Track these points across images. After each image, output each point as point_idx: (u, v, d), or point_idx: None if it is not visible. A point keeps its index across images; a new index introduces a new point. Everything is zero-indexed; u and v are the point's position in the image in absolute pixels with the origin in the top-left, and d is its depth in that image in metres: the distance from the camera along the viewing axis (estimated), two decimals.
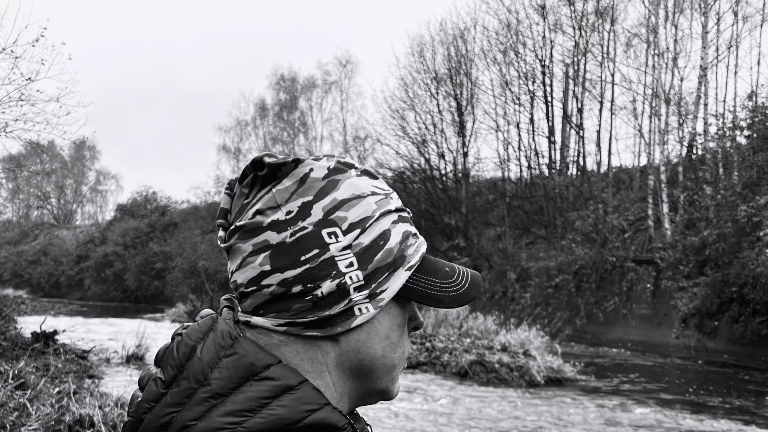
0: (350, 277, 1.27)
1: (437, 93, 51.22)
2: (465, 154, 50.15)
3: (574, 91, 46.76)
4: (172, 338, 1.31)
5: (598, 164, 45.53)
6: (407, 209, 1.41)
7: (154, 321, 37.43)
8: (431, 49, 51.93)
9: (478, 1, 59.88)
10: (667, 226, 35.53)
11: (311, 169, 1.31)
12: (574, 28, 45.88)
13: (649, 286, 33.32)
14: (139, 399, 1.27)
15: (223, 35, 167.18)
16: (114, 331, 30.99)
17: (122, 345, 22.57)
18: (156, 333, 25.39)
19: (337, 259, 1.27)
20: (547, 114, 47.37)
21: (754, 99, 32.86)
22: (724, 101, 37.75)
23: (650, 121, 40.86)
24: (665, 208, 36.01)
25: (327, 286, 1.26)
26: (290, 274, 1.26)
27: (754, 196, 27.65)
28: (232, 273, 1.32)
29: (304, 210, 1.28)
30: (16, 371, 13.51)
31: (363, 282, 1.28)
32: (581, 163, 47.10)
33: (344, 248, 1.27)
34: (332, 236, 1.27)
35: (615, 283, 34.85)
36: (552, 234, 43.10)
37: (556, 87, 48.43)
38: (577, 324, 34.95)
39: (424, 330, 23.94)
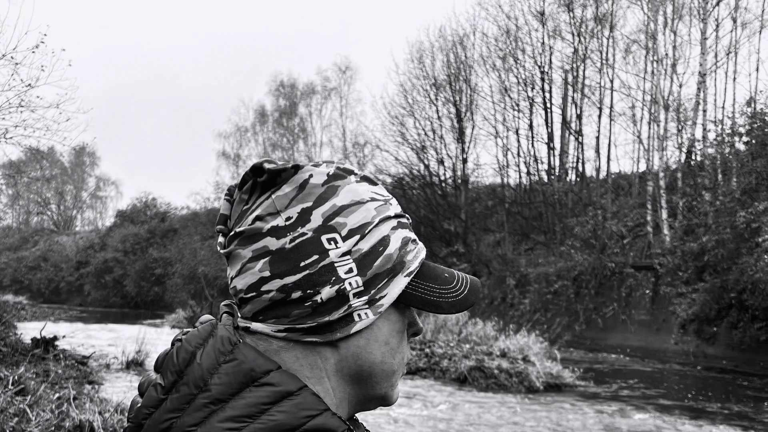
0: (350, 283, 1.27)
1: (436, 99, 51.24)
2: (464, 160, 50.14)
3: (573, 98, 46.80)
4: (172, 344, 1.32)
5: (597, 170, 45.54)
6: (406, 215, 1.42)
7: (153, 327, 37.42)
8: (430, 55, 51.96)
9: (477, 8, 60.00)
10: (666, 232, 35.54)
11: (311, 175, 1.31)
12: (573, 35, 45.93)
13: (648, 292, 33.33)
14: (139, 405, 1.27)
15: (222, 41, 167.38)
16: (114, 336, 31.01)
17: (122, 351, 22.62)
18: (156, 339, 25.45)
19: (336, 265, 1.27)
20: (546, 120, 47.40)
21: (752, 105, 32.90)
22: (723, 107, 37.77)
23: (649, 127, 40.88)
24: (664, 214, 36.02)
25: (326, 292, 1.26)
26: (290, 280, 1.26)
27: (753, 202, 27.67)
28: (232, 279, 1.33)
29: (304, 216, 1.28)
30: (16, 377, 13.51)
31: (362, 288, 1.28)
32: (580, 169, 47.17)
33: (344, 254, 1.28)
34: (332, 242, 1.27)
35: (614, 289, 34.85)
36: (551, 240, 43.11)
37: (555, 93, 48.55)
38: (576, 330, 34.95)
39: (423, 336, 23.95)
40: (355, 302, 1.28)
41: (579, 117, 46.08)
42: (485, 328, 25.07)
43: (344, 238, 1.28)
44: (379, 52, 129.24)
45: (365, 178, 1.37)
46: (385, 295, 1.30)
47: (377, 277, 1.30)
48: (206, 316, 1.36)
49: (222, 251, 1.35)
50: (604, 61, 44.38)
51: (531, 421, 16.36)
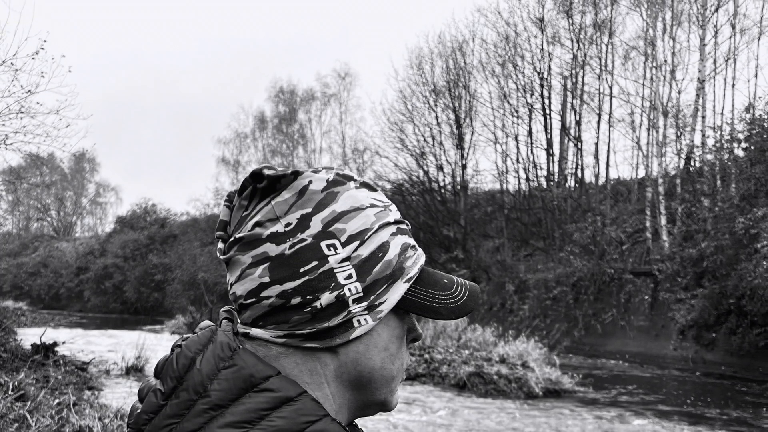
0: (349, 289, 1.27)
1: (436, 105, 51.31)
2: (463, 167, 50.21)
3: (572, 104, 46.86)
4: (172, 350, 1.31)
5: (596, 176, 45.62)
6: (406, 221, 1.42)
7: (153, 333, 37.43)
8: (430, 61, 52.03)
9: (476, 14, 60.02)
10: (665, 238, 35.57)
11: (310, 182, 1.31)
12: (572, 41, 46.01)
13: (647, 297, 33.35)
14: (139, 410, 1.28)
15: (222, 48, 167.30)
16: (113, 342, 31.03)
17: (122, 356, 22.61)
18: (155, 345, 25.44)
19: (336, 271, 1.27)
20: (545, 126, 47.48)
21: (751, 111, 32.92)
22: (722, 113, 37.84)
23: (648, 134, 40.92)
24: (663, 220, 36.06)
25: (326, 297, 1.26)
26: (289, 285, 1.26)
27: (752, 208, 27.70)
28: (232, 285, 1.33)
29: (303, 222, 1.28)
30: (16, 383, 13.53)
31: (362, 294, 1.28)
32: (579, 175, 47.22)
33: (343, 260, 1.27)
34: (331, 248, 1.27)
35: (613, 295, 34.87)
36: (550, 246, 43.13)
37: (555, 99, 48.52)
38: (575, 336, 34.97)
39: (422, 341, 23.96)
40: (355, 308, 1.28)
41: (578, 123, 46.15)
42: (484, 333, 25.09)
43: (344, 244, 1.28)
44: (378, 59, 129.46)
45: (364, 184, 1.37)
46: (384, 301, 1.30)
47: (376, 283, 1.30)
48: (206, 322, 1.36)
49: (222, 257, 1.35)
50: (603, 68, 44.46)
51: (530, 426, 16.37)
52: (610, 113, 44.44)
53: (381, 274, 1.30)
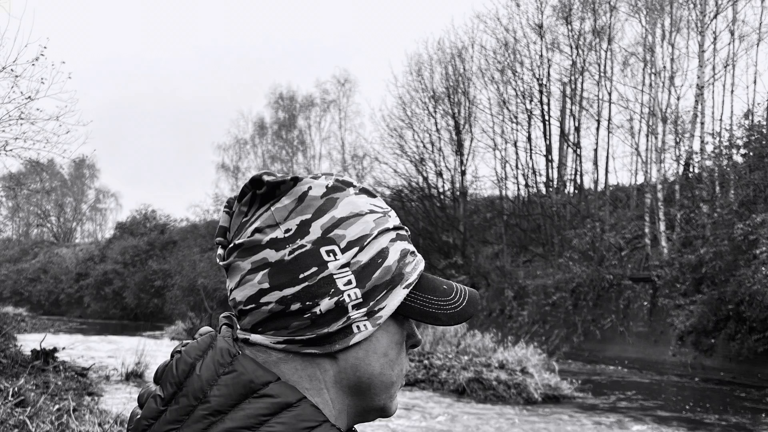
0: (348, 295, 1.27)
1: (435, 111, 51.41)
2: (463, 173, 50.27)
3: (571, 110, 46.90)
4: (171, 356, 1.31)
5: (596, 182, 45.65)
6: (405, 227, 1.41)
7: (153, 338, 37.44)
8: (429, 67, 52.11)
9: (475, 21, 60.02)
10: (664, 244, 35.60)
11: (310, 188, 1.31)
12: (571, 47, 46.06)
13: (645, 303, 33.38)
14: (139, 416, 1.28)
15: (222, 54, 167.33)
16: (113, 348, 31.03)
17: (122, 362, 22.63)
18: (155, 350, 25.46)
19: (335, 276, 1.27)
20: (544, 132, 47.55)
21: (750, 117, 32.99)
22: (721, 120, 37.85)
23: (647, 140, 40.97)
24: (662, 227, 36.09)
25: (325, 303, 1.26)
26: (289, 291, 1.26)
27: (751, 214, 27.73)
28: (231, 291, 1.32)
29: (303, 228, 1.28)
30: (16, 388, 13.54)
31: (361, 300, 1.28)
32: (578, 181, 47.26)
33: (342, 266, 1.27)
34: (330, 254, 1.27)
35: (612, 301, 34.90)
36: (549, 252, 43.16)
37: (554, 106, 48.56)
38: (575, 341, 34.99)
39: (422, 347, 23.97)
40: (354, 314, 1.28)
41: (577, 129, 46.19)
42: (484, 339, 25.10)
43: (343, 250, 1.28)
44: (377, 65, 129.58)
45: (364, 191, 1.37)
46: (383, 307, 1.30)
47: (376, 289, 1.29)
48: (205, 328, 1.36)
49: (221, 263, 1.35)
50: (602, 74, 44.52)
51: None
52: (609, 119, 44.55)
53: (380, 280, 1.30)
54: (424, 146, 51.33)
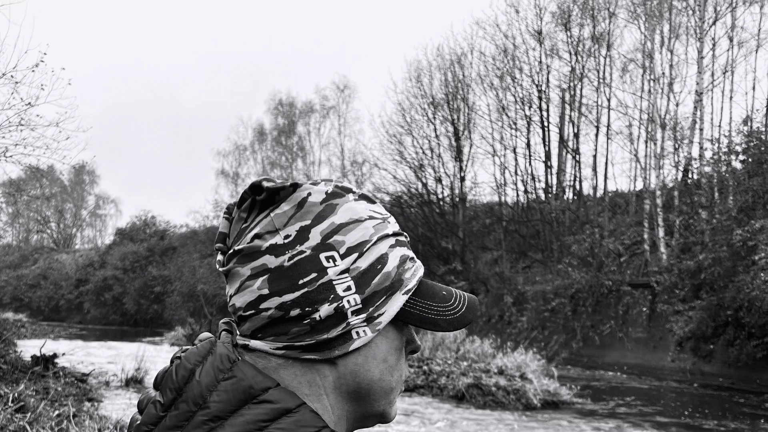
0: (348, 301, 1.27)
1: (434, 118, 51.40)
2: (462, 179, 50.25)
3: (570, 116, 46.92)
4: (171, 361, 1.31)
5: (595, 189, 45.63)
6: (405, 233, 1.41)
7: (153, 344, 37.45)
8: (428, 74, 52.09)
9: (474, 27, 60.08)
10: (663, 250, 35.63)
11: (309, 194, 1.31)
12: (570, 54, 46.08)
13: (644, 309, 33.40)
14: (138, 422, 1.28)
15: (221, 60, 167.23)
16: (113, 354, 31.03)
17: (121, 368, 22.64)
18: (155, 356, 25.49)
19: (334, 282, 1.27)
20: (543, 139, 47.56)
21: (749, 124, 33.03)
22: (720, 126, 37.95)
23: (646, 146, 41.02)
24: (661, 233, 36.12)
25: (325, 309, 1.26)
26: (288, 297, 1.26)
27: (750, 220, 27.75)
28: (231, 297, 1.32)
29: (302, 234, 1.28)
30: (15, 394, 13.55)
31: (361, 305, 1.28)
32: (577, 187, 47.28)
33: (342, 272, 1.27)
34: (330, 260, 1.27)
35: (611, 307, 34.92)
36: (548, 258, 43.17)
37: (553, 112, 48.64)
38: (574, 347, 35.00)
39: (421, 353, 23.95)
40: (354, 320, 1.28)
41: (576, 135, 46.19)
42: (483, 345, 25.09)
43: (342, 256, 1.28)
44: (377, 71, 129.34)
45: (363, 197, 1.37)
46: (383, 313, 1.30)
47: (375, 295, 1.29)
48: (205, 334, 1.36)
49: (221, 269, 1.35)
50: (601, 80, 44.56)
51: None
52: (608, 125, 44.58)
53: (380, 285, 1.30)
54: (424, 152, 51.36)
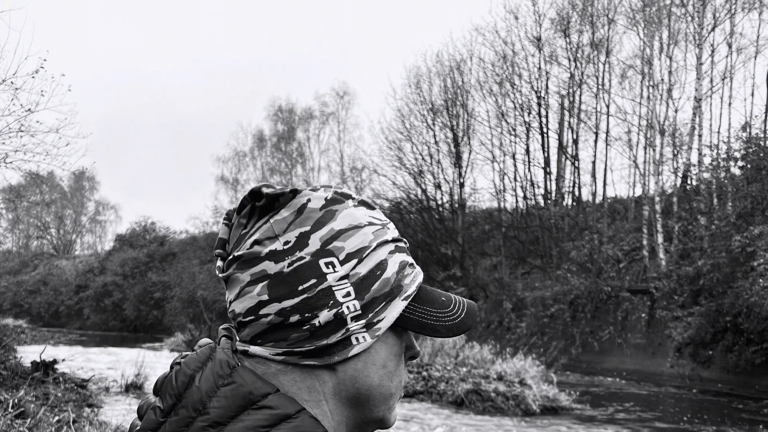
0: (347, 307, 1.27)
1: (434, 124, 51.42)
2: (461, 185, 50.29)
3: (569, 122, 46.92)
4: (171, 367, 1.31)
5: (594, 195, 45.63)
6: (404, 239, 1.42)
7: (152, 350, 37.45)
8: (428, 80, 52.11)
9: (474, 33, 60.08)
10: (662, 256, 35.63)
11: (309, 200, 1.31)
12: (569, 60, 46.12)
13: (643, 315, 33.39)
14: (138, 427, 1.28)
15: (221, 67, 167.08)
16: (113, 360, 31.03)
17: (121, 374, 22.64)
18: (155, 362, 25.49)
19: (334, 288, 1.27)
20: (542, 145, 47.58)
21: (748, 130, 33.02)
22: (719, 132, 37.94)
23: (645, 152, 41.01)
24: (660, 239, 36.13)
25: (324, 315, 1.26)
26: (288, 303, 1.26)
27: (748, 226, 27.77)
28: (230, 302, 1.32)
29: (302, 240, 1.28)
30: (15, 400, 13.56)
31: (360, 311, 1.28)
32: (576, 193, 47.27)
33: (341, 278, 1.27)
34: (329, 266, 1.27)
35: (610, 313, 34.92)
36: (547, 264, 43.17)
37: (552, 118, 48.60)
38: (573, 353, 34.99)
39: (420, 359, 23.91)
40: (353, 326, 1.28)
41: (575, 142, 46.23)
42: (482, 351, 25.08)
43: (342, 262, 1.28)
44: (376, 78, 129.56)
45: (363, 203, 1.37)
46: (382, 319, 1.30)
47: (375, 301, 1.30)
48: (205, 340, 1.36)
49: (221, 275, 1.35)
50: (600, 86, 44.60)
51: None
52: (607, 132, 44.59)
53: (379, 291, 1.30)
54: (423, 158, 51.38)
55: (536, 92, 47.52)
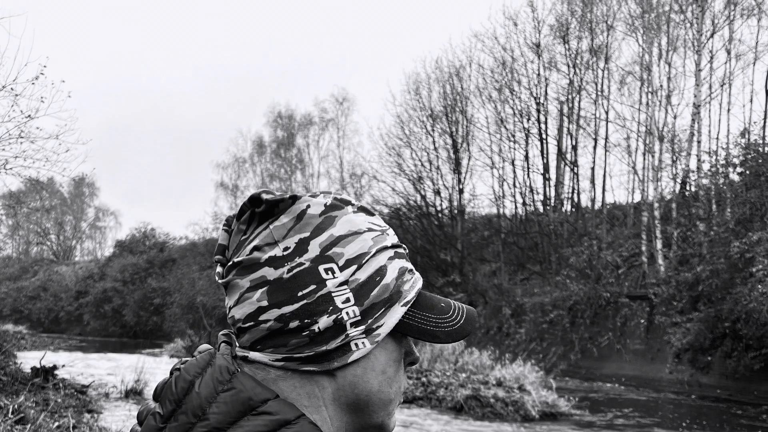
0: (347, 313, 1.27)
1: (433, 130, 51.44)
2: (460, 191, 50.30)
3: (568, 129, 46.99)
4: (171, 373, 1.32)
5: (593, 201, 45.70)
6: (403, 245, 1.42)
7: (152, 356, 37.41)
8: (427, 86, 52.12)
9: (473, 40, 60.09)
10: (661, 262, 35.65)
11: (308, 206, 1.31)
12: (568, 66, 46.18)
13: (642, 321, 33.41)
14: None
15: (220, 73, 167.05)
16: (113, 366, 31.00)
17: (121, 380, 22.63)
18: (154, 368, 25.48)
19: (333, 294, 1.27)
20: (541, 151, 47.63)
21: (746, 136, 33.06)
22: (717, 138, 37.98)
23: (644, 158, 41.08)
24: (659, 245, 36.16)
25: (324, 321, 1.26)
26: (287, 309, 1.26)
27: (747, 232, 27.78)
28: (230, 308, 1.33)
29: (301, 246, 1.28)
30: (15, 406, 13.56)
31: (359, 317, 1.28)
32: (575, 199, 47.31)
33: (341, 284, 1.28)
34: (329, 272, 1.27)
35: (609, 319, 34.93)
36: (547, 270, 43.19)
37: (551, 124, 48.63)
38: (572, 359, 35.00)
39: (419, 365, 23.96)
40: (352, 332, 1.28)
41: (574, 148, 46.29)
42: (481, 357, 25.08)
43: (341, 268, 1.28)
44: (376, 84, 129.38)
45: (362, 209, 1.37)
46: (382, 325, 1.30)
47: (374, 307, 1.30)
48: (204, 346, 1.36)
49: (220, 281, 1.35)
50: (599, 93, 44.65)
51: None
52: (606, 138, 44.63)
53: (378, 297, 1.30)
54: (422, 165, 51.39)
55: (535, 98, 47.60)
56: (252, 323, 1.29)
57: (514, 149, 49.33)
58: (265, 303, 1.27)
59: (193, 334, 46.18)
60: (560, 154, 47.57)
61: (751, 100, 38.74)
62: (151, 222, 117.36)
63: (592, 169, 45.30)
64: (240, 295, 1.30)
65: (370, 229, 1.35)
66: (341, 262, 1.29)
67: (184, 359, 1.34)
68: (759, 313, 25.11)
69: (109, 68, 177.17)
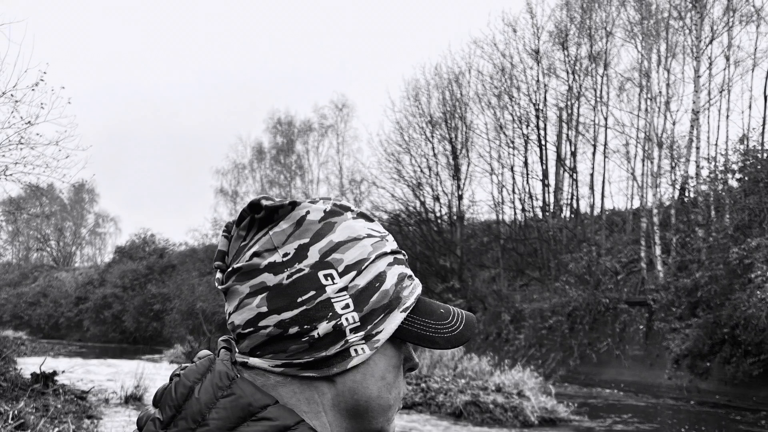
0: (346, 319, 1.27)
1: (432, 136, 51.41)
2: (460, 197, 50.31)
3: (567, 135, 46.99)
4: (170, 379, 1.32)
5: (592, 207, 45.63)
6: (403, 251, 1.42)
7: (152, 362, 37.42)
8: (426, 92, 52.09)
9: (472, 46, 60.11)
10: (660, 268, 35.64)
11: (308, 212, 1.32)
12: (567, 73, 46.18)
13: (641, 327, 33.41)
14: None
15: (220, 80, 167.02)
16: (113, 371, 31.03)
17: (121, 386, 22.64)
18: (154, 374, 25.48)
19: (333, 300, 1.27)
20: (540, 157, 47.62)
21: (745, 142, 33.07)
22: (716, 144, 37.96)
23: (643, 165, 41.10)
24: (658, 251, 36.16)
25: (323, 327, 1.26)
26: (287, 315, 1.26)
27: (746, 238, 27.77)
28: (230, 314, 1.33)
29: (301, 252, 1.28)
30: (15, 411, 13.58)
31: (359, 323, 1.28)
32: (575, 205, 47.29)
33: (340, 290, 1.28)
34: (328, 278, 1.27)
35: (608, 325, 34.91)
36: (546, 276, 43.19)
37: (550, 130, 48.63)
38: (571, 365, 35.00)
39: (419, 371, 23.93)
40: (352, 338, 1.28)
41: (573, 154, 46.29)
42: (480, 363, 25.09)
43: (341, 274, 1.28)
44: (375, 90, 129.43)
45: (362, 215, 1.38)
46: (381, 331, 1.30)
47: (373, 313, 1.30)
48: (204, 351, 1.37)
49: (220, 287, 1.36)
50: (598, 99, 44.67)
51: None
52: (605, 144, 44.58)
53: (378, 303, 1.30)
54: (422, 171, 51.37)
55: (534, 105, 47.58)
56: (251, 329, 1.29)
57: (514, 155, 49.36)
58: (264, 309, 1.28)
59: (192, 339, 46.24)
60: (559, 160, 47.60)
61: (750, 107, 38.80)
62: (150, 228, 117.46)
63: (591, 175, 45.30)
64: (239, 301, 1.31)
65: (369, 235, 1.35)
66: (341, 268, 1.29)
67: (183, 365, 1.35)
68: (758, 319, 25.12)
69: (109, 74, 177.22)
